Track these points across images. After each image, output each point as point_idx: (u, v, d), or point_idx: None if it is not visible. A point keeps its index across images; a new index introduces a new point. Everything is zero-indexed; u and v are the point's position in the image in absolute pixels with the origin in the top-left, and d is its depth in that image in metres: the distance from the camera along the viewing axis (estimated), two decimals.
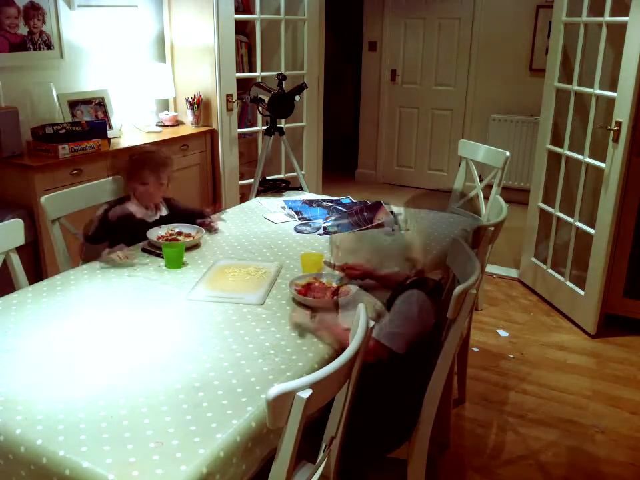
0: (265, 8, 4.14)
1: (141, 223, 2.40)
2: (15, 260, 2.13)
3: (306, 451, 1.53)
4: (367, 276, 2.01)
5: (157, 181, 2.41)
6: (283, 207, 2.82)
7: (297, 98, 3.56)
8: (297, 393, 1.14)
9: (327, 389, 1.28)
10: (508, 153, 3.14)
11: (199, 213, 2.58)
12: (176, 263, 2.14)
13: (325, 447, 1.51)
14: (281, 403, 1.14)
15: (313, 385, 1.16)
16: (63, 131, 3.17)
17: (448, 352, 1.75)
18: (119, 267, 2.13)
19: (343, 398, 1.44)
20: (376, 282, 1.99)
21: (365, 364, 1.70)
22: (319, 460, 1.50)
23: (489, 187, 3.25)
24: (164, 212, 2.49)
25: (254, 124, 4.61)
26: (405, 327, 1.72)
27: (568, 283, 3.45)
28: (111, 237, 2.28)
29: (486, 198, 3.23)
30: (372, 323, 1.48)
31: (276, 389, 1.13)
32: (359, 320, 1.43)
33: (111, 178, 2.65)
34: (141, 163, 2.42)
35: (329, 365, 1.25)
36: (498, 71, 5.37)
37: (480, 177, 3.34)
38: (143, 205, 2.44)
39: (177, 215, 2.51)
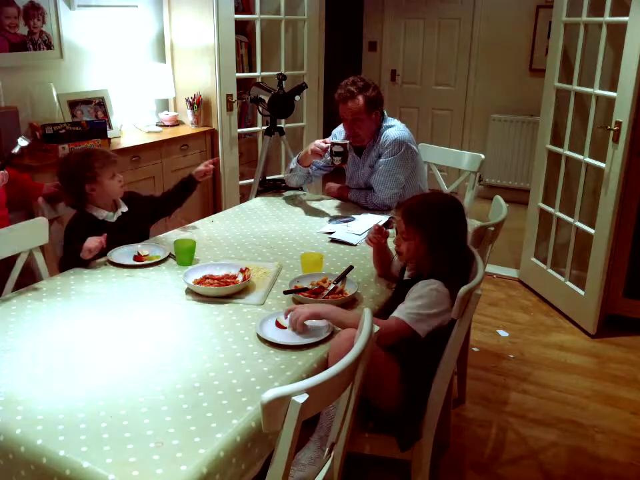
0: (265, 8, 4.14)
1: (105, 226, 2.30)
2: (39, 259, 2.10)
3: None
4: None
5: (109, 176, 2.31)
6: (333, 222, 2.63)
7: (297, 98, 3.55)
8: (293, 398, 1.11)
9: (325, 394, 1.25)
10: (482, 156, 3.00)
11: (161, 196, 2.60)
12: (187, 259, 2.15)
13: (328, 452, 1.49)
14: (276, 407, 1.11)
15: (309, 390, 1.13)
16: (63, 131, 3.18)
17: (452, 352, 1.74)
18: (119, 266, 2.13)
19: (346, 404, 1.41)
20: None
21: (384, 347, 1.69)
22: (320, 463, 1.49)
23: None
24: (124, 208, 2.39)
25: (254, 124, 4.61)
26: (429, 313, 1.72)
27: (568, 283, 3.45)
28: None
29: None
30: (377, 328, 1.46)
31: (270, 393, 1.10)
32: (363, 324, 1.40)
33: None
34: (88, 161, 2.30)
35: (329, 369, 1.22)
36: (498, 71, 5.36)
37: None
38: (100, 207, 2.34)
39: (139, 206, 2.45)
